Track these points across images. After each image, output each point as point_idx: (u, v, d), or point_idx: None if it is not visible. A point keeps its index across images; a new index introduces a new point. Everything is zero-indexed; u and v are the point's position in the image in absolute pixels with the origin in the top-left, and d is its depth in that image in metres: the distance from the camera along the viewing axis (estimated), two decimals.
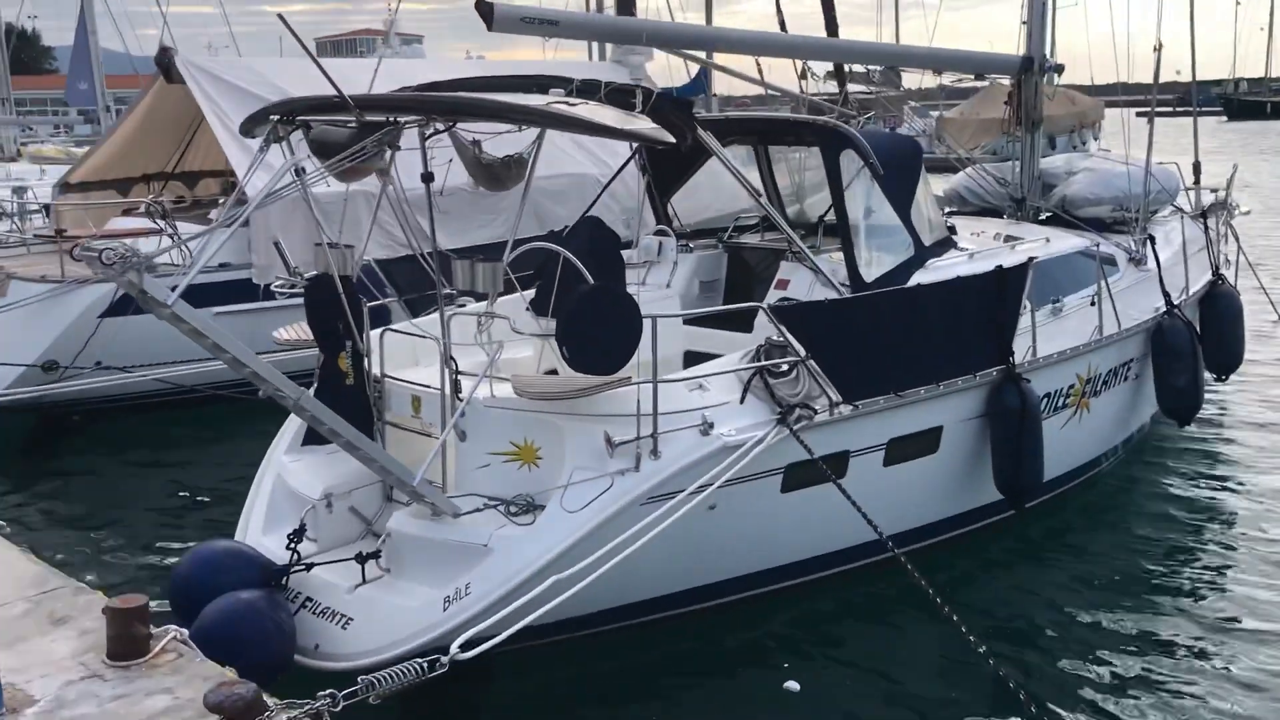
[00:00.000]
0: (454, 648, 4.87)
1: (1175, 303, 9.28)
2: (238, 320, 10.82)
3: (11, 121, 23.93)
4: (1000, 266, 7.71)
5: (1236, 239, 12.61)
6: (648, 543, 5.61)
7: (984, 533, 7.95)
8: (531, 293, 7.64)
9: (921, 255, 8.19)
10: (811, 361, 6.57)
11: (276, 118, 6.25)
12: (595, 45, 20.10)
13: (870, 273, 7.79)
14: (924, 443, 7.30)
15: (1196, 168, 12.32)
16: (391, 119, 5.82)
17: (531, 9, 8.41)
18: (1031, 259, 7.99)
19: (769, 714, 6.10)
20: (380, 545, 6.13)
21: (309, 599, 6.07)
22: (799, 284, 8.07)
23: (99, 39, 21.91)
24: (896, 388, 6.96)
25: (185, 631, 4.48)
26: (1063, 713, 5.96)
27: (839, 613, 7.02)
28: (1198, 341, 9.33)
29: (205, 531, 8.10)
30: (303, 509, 6.40)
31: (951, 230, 9.14)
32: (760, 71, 11.85)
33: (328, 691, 4.04)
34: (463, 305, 7.40)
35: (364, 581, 6.02)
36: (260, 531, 6.73)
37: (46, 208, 14.51)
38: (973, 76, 14.36)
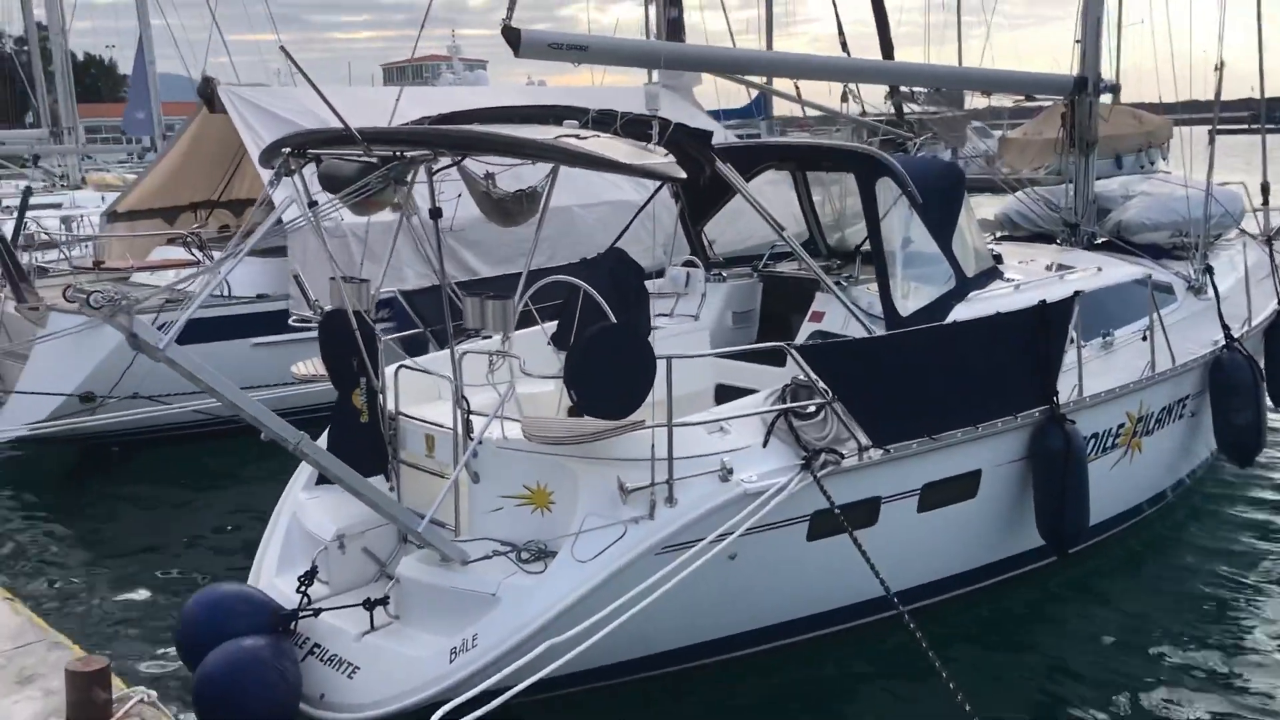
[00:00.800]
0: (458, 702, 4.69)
1: (1236, 335, 8.82)
2: (274, 351, 10.81)
3: (71, 150, 24.40)
4: (1043, 301, 7.34)
5: None
6: (663, 593, 5.36)
7: (1025, 579, 7.57)
8: (553, 326, 7.45)
9: (963, 287, 7.85)
10: (838, 403, 6.28)
11: (288, 151, 6.18)
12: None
13: (907, 306, 7.48)
14: (961, 487, 6.93)
15: (1264, 188, 11.80)
16: (399, 153, 5.68)
17: (559, 34, 8.26)
18: (1077, 292, 7.60)
19: None
20: (389, 591, 5.96)
21: (317, 645, 5.93)
22: (834, 316, 7.79)
23: (168, 66, 22.33)
24: (931, 430, 6.60)
25: (154, 694, 4.34)
26: None
27: (867, 667, 6.68)
28: (1260, 376, 8.84)
29: (232, 568, 8.02)
30: (316, 549, 6.27)
31: (997, 259, 8.79)
32: (798, 91, 11.56)
33: None
34: (488, 337, 7.23)
35: (372, 628, 5.86)
36: (273, 572, 6.63)
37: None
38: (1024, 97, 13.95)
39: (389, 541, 6.41)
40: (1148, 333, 8.19)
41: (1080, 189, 11.07)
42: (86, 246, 15.04)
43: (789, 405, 6.22)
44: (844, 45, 14.43)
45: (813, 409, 6.26)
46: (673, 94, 15.65)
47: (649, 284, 8.41)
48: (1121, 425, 7.90)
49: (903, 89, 11.13)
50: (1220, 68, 10.38)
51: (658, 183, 9.31)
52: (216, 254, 11.35)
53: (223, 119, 12.60)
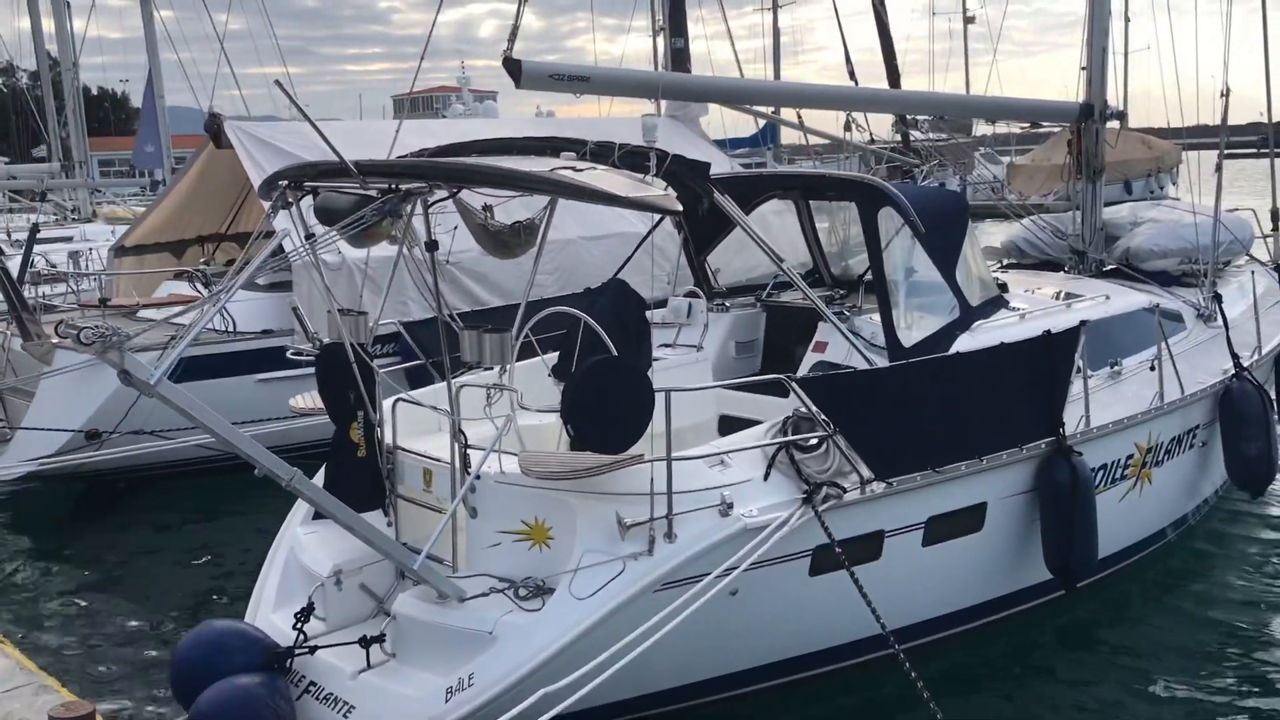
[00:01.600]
0: None
1: (1246, 364, 8.70)
2: (280, 387, 10.75)
3: (80, 184, 24.56)
4: (1048, 332, 7.25)
5: None
6: (663, 630, 5.27)
7: (1032, 613, 7.44)
8: (554, 357, 7.39)
9: (968, 317, 7.76)
10: (840, 436, 6.19)
11: (285, 183, 6.15)
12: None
13: (911, 336, 7.39)
14: (967, 521, 6.81)
15: (1275, 214, 11.73)
16: (394, 185, 5.64)
17: (560, 65, 8.23)
18: (1083, 322, 7.51)
19: None
20: (385, 628, 5.87)
21: (312, 683, 5.83)
22: (837, 347, 7.70)
23: (181, 99, 22.44)
24: (935, 463, 6.49)
25: None
26: None
27: (871, 705, 6.57)
28: (1270, 405, 8.71)
29: (235, 602, 7.94)
30: (313, 585, 6.19)
31: (1003, 288, 8.70)
32: (800, 120, 11.52)
33: None
34: (488, 369, 7.16)
35: (368, 666, 5.76)
36: (271, 608, 6.54)
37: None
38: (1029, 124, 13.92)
39: (387, 577, 6.32)
40: (1156, 362, 8.09)
41: (1088, 216, 11.00)
42: (94, 281, 15.06)
43: (790, 438, 6.13)
44: (851, 74, 14.44)
45: (814, 442, 6.17)
46: (678, 124, 15.67)
47: (651, 314, 8.35)
48: (1130, 456, 7.78)
49: (909, 116, 11.08)
50: (1226, 94, 10.31)
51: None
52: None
53: (229, 154, 12.63)
